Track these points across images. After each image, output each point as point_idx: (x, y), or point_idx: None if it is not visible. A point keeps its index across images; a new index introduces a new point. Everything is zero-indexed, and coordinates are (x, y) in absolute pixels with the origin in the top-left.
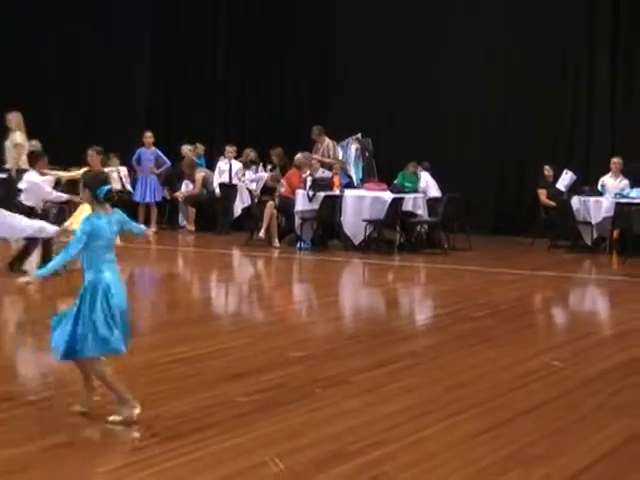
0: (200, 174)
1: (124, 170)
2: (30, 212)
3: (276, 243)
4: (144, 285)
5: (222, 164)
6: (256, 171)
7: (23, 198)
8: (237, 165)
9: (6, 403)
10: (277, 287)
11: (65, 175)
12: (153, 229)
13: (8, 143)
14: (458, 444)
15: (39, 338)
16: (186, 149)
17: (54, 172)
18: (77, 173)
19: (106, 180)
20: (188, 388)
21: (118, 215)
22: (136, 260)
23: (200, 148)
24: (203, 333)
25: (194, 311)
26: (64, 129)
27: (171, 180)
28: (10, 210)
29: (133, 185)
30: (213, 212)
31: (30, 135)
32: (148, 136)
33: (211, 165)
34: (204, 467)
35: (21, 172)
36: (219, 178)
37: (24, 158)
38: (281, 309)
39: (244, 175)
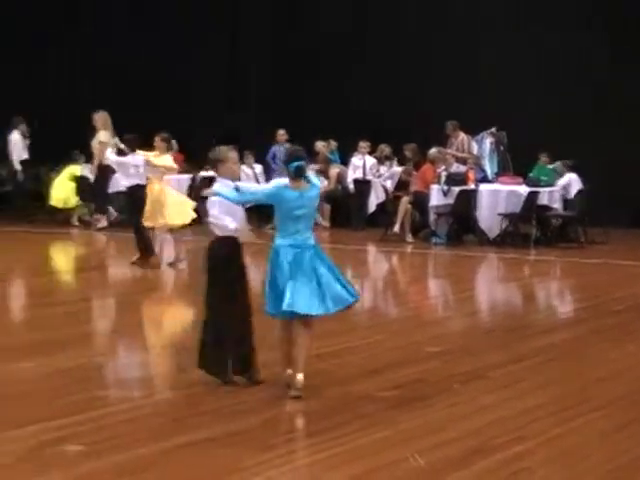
0: (334, 170)
1: (259, 167)
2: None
3: (410, 238)
4: None
5: (356, 160)
6: (390, 167)
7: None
8: (371, 161)
9: (128, 404)
10: (412, 282)
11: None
12: None
13: (94, 141)
14: (598, 439)
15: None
16: (320, 145)
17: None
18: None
19: (297, 156)
20: (327, 384)
21: (311, 192)
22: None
23: (333, 144)
24: (340, 329)
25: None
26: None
27: None
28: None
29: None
30: (347, 208)
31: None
32: (281, 133)
33: (345, 161)
34: (342, 463)
35: (103, 168)
36: (353, 174)
37: (107, 155)
38: (416, 304)
39: (378, 171)
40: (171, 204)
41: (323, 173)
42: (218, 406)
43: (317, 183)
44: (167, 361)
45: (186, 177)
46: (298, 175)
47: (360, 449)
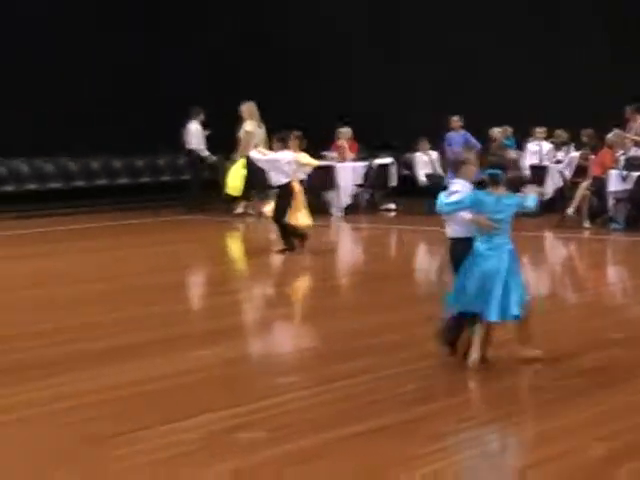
0: (511, 156)
1: (434, 154)
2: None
3: (587, 224)
4: None
5: (532, 145)
6: (567, 152)
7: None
8: (547, 146)
9: (305, 391)
10: (590, 269)
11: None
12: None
13: (241, 131)
14: None
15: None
16: (496, 131)
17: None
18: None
19: (496, 164)
20: (506, 371)
21: (509, 200)
22: None
23: (509, 130)
24: None
25: None
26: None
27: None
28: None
29: (444, 169)
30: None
31: None
32: (455, 120)
33: (521, 146)
34: (516, 450)
35: (248, 159)
36: (530, 160)
37: (251, 155)
38: (596, 290)
39: (555, 156)
40: (303, 206)
41: None
42: (393, 394)
43: (525, 198)
44: (343, 347)
45: (361, 164)
46: (493, 182)
47: (540, 435)
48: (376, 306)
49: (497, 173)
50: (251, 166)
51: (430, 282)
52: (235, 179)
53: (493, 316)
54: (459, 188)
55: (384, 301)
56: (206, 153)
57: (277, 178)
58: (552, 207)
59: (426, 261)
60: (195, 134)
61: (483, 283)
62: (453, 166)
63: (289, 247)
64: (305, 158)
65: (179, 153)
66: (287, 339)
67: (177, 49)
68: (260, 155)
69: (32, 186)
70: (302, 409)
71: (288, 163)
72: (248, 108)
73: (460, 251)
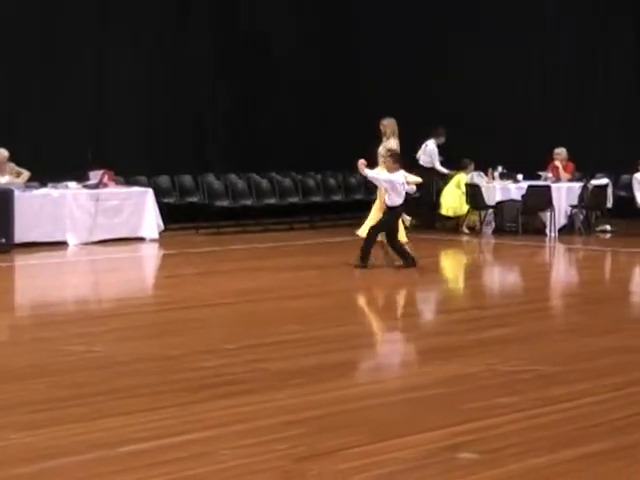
0: None
1: None
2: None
3: None
4: None
5: None
6: None
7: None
8: None
9: (523, 413)
10: None
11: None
12: None
13: (381, 149)
14: None
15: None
16: None
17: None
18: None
19: None
20: None
21: None
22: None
23: None
24: None
25: None
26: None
27: None
28: None
29: None
30: None
31: None
32: None
33: None
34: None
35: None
36: None
37: (367, 173)
38: None
39: None
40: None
41: None
42: (611, 418)
43: None
44: (561, 369)
45: (577, 185)
46: None
47: None
48: (592, 329)
49: None
50: None
51: None
52: (450, 199)
53: None
54: None
55: (600, 324)
56: (445, 171)
57: (395, 199)
58: None
59: None
60: (432, 153)
61: None
62: None
63: (412, 261)
64: (411, 177)
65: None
66: (503, 359)
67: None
68: (376, 174)
69: (248, 202)
70: (517, 431)
71: (402, 184)
72: (391, 124)
73: None
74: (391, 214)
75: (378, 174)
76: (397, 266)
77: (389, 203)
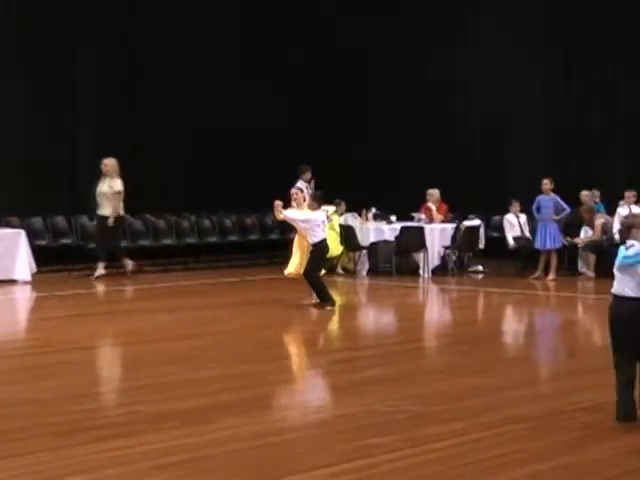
0: (599, 220)
1: (523, 217)
2: None
3: None
4: (545, 332)
5: (622, 210)
6: None
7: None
8: (637, 209)
9: (399, 452)
10: None
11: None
12: (552, 276)
13: (106, 188)
14: None
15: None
16: (585, 195)
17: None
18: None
19: None
20: (592, 437)
21: None
22: (536, 307)
23: (596, 194)
24: (607, 382)
25: (596, 359)
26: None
27: (571, 226)
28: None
29: (532, 232)
30: (613, 258)
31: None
32: (546, 183)
33: (611, 210)
34: None
35: (119, 219)
36: (619, 224)
37: (284, 213)
38: None
39: None
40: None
41: (588, 223)
42: (487, 457)
43: None
44: (435, 409)
45: (449, 226)
46: None
47: None
48: (465, 369)
49: None
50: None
51: (519, 345)
52: None
53: None
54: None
55: (473, 364)
56: None
57: (318, 235)
58: None
59: (514, 324)
60: None
61: None
62: (625, 231)
63: (331, 301)
64: (331, 209)
65: None
66: (379, 399)
67: None
68: (293, 213)
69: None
70: (392, 471)
71: (323, 222)
72: (112, 163)
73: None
74: (317, 250)
75: (295, 215)
76: (313, 304)
77: (314, 240)
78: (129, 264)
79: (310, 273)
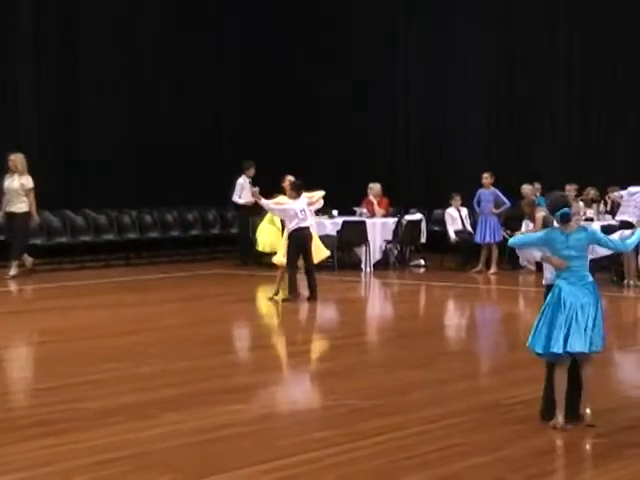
0: (540, 213)
1: (465, 211)
2: None
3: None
4: (485, 326)
5: None
6: (598, 210)
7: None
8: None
9: (340, 447)
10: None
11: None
12: (493, 270)
13: (17, 185)
14: None
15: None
16: (526, 188)
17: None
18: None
19: (563, 203)
20: (531, 430)
21: (580, 235)
22: (478, 300)
23: (537, 186)
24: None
25: None
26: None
27: (512, 220)
28: None
29: (473, 226)
30: None
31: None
32: (486, 177)
33: None
34: None
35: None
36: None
37: (263, 202)
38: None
39: (584, 214)
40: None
41: (529, 217)
42: (427, 450)
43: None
44: (375, 403)
45: (391, 220)
46: (565, 221)
47: None
48: (407, 363)
49: (567, 212)
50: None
51: (460, 338)
52: (265, 235)
53: (579, 347)
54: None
55: (415, 358)
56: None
57: (292, 224)
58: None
59: (456, 318)
60: (241, 188)
61: (568, 316)
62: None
63: (294, 294)
64: (317, 194)
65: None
66: (321, 394)
67: None
68: (271, 204)
69: (64, 239)
70: (333, 466)
71: (302, 210)
72: (19, 159)
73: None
74: (291, 238)
75: (273, 204)
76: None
77: (289, 228)
78: (29, 261)
79: (288, 263)
